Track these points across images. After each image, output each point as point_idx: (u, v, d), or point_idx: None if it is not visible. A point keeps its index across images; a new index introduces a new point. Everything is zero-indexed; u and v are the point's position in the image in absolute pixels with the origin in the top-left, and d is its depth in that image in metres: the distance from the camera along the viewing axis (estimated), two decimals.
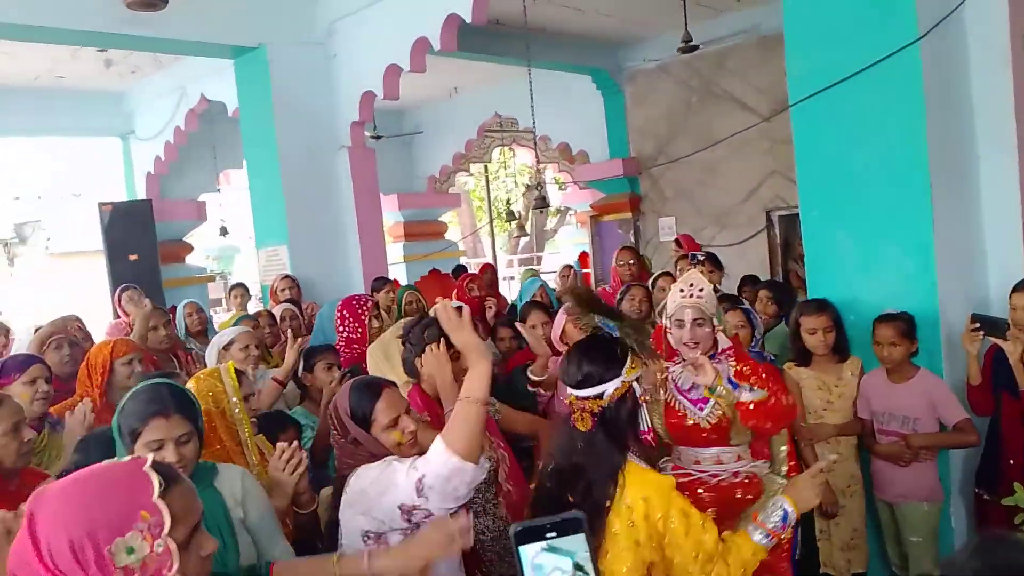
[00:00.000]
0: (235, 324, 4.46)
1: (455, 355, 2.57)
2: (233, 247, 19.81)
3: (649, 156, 8.81)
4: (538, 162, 9.00)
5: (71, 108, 8.43)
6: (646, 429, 2.07)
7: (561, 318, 3.65)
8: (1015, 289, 3.32)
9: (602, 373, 2.00)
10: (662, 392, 2.78)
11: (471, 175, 15.31)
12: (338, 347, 3.75)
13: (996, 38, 3.51)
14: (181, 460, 1.93)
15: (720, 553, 1.95)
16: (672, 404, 2.78)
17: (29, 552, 1.19)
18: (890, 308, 3.34)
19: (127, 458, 1.36)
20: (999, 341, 3.19)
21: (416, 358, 2.71)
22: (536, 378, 3.34)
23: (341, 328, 3.80)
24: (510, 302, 6.73)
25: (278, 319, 5.22)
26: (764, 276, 7.08)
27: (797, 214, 3.97)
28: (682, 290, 2.76)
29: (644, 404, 2.07)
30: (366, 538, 1.99)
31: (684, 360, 2.73)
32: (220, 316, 9.82)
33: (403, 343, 2.84)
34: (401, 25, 5.85)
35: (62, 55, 7.08)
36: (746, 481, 2.74)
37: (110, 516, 1.20)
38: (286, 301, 5.67)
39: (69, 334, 4.32)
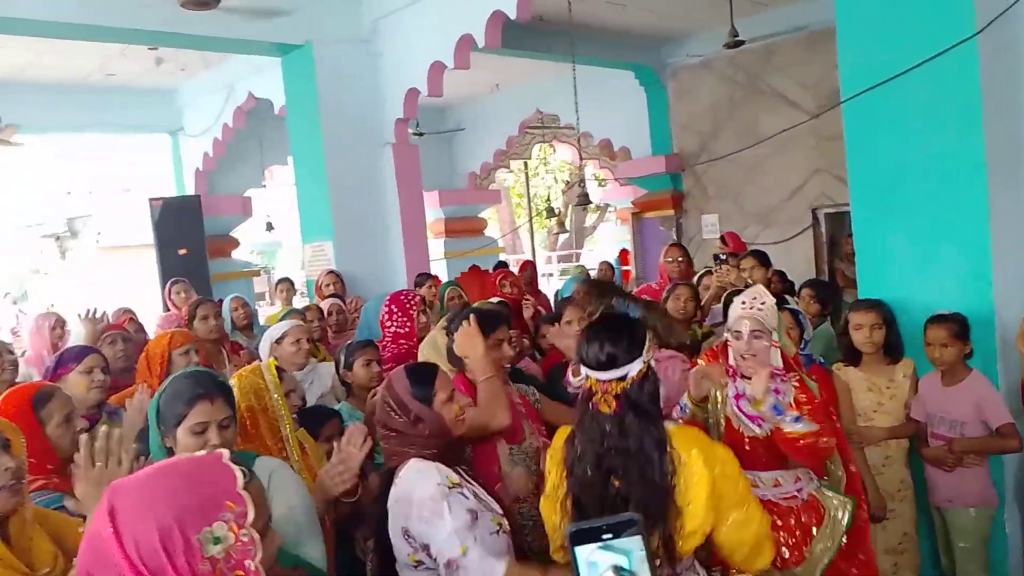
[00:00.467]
0: (283, 318, 4.53)
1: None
2: (276, 242, 20.09)
3: (692, 153, 8.74)
4: (580, 158, 8.96)
5: (121, 105, 8.61)
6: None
7: None
8: None
9: (625, 354, 1.94)
10: (720, 406, 2.71)
11: (511, 171, 15.31)
12: (384, 342, 3.77)
13: None
14: (224, 443, 1.96)
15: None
16: (731, 421, 2.71)
17: (111, 546, 1.14)
18: (943, 309, 3.26)
19: (201, 452, 1.34)
20: None
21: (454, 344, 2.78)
22: (577, 385, 3.03)
23: (388, 323, 3.81)
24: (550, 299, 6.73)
25: (324, 314, 5.28)
26: (810, 275, 6.99)
27: (844, 212, 3.91)
28: (744, 302, 2.68)
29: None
30: (407, 536, 2.01)
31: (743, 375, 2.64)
32: (264, 310, 9.99)
33: (447, 334, 2.88)
34: (445, 22, 5.89)
35: (112, 53, 7.23)
36: (804, 502, 2.67)
37: (198, 505, 1.18)
38: (331, 296, 5.73)
39: (122, 329, 4.42)
